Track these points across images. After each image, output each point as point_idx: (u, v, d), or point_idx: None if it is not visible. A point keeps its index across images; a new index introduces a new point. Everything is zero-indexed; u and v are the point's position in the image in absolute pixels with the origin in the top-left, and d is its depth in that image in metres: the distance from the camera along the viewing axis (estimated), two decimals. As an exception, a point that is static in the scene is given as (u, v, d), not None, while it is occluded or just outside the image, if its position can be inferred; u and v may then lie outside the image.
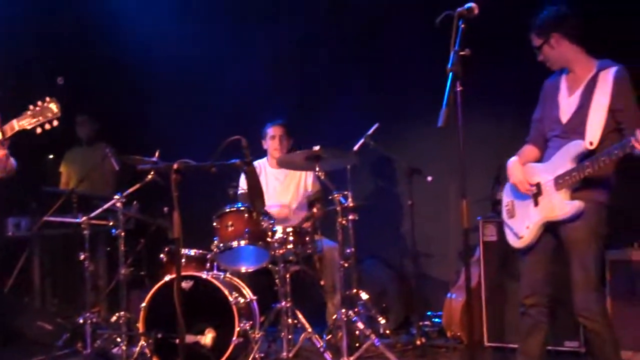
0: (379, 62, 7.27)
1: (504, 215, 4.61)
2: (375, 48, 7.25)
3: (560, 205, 4.20)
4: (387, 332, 6.13)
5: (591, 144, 4.09)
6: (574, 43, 4.30)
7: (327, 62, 7.50)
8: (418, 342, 5.98)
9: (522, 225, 4.42)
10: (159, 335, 5.25)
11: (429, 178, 6.16)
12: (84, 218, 5.78)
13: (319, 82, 7.56)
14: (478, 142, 6.14)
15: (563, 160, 4.21)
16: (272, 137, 6.59)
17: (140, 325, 5.41)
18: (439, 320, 6.52)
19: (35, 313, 6.67)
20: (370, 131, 6.14)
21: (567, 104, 4.33)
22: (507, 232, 4.57)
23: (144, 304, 5.41)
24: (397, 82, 7.14)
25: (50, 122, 4.52)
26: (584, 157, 4.11)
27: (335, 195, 5.59)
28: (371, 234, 6.74)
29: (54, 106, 4.51)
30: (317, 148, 5.52)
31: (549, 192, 4.27)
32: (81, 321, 5.84)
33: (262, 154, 6.71)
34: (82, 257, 5.80)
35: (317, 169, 5.63)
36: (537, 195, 4.33)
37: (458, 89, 3.59)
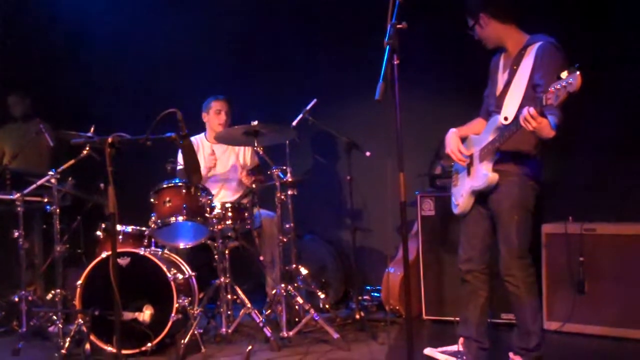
0: (316, 36, 7.25)
1: (452, 183, 4.75)
2: (312, 21, 7.21)
3: (479, 175, 4.36)
4: (327, 306, 6.17)
5: (506, 119, 4.18)
6: (502, 22, 4.37)
7: (264, 37, 7.43)
8: (357, 317, 6.02)
9: (459, 194, 4.60)
10: (96, 313, 5.18)
11: (368, 153, 6.17)
12: (18, 195, 5.66)
13: (256, 57, 7.50)
14: (418, 118, 6.21)
15: (486, 133, 4.36)
16: (218, 112, 6.52)
17: (76, 303, 5.34)
18: (378, 295, 6.59)
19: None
20: (309, 106, 6.12)
21: (501, 80, 4.45)
22: (452, 199, 4.71)
23: (80, 282, 5.34)
24: (334, 56, 7.12)
25: None
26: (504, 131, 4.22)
27: (274, 171, 5.58)
28: (310, 209, 6.76)
29: None
30: (255, 123, 5.49)
31: (475, 163, 4.42)
32: (16, 299, 5.74)
33: (199, 129, 6.64)
34: (16, 234, 5.68)
35: (256, 144, 5.61)
36: (470, 166, 4.49)
37: (395, 62, 3.58)
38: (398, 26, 3.63)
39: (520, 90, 4.21)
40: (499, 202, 4.34)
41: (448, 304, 5.89)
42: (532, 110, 3.80)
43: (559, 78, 3.62)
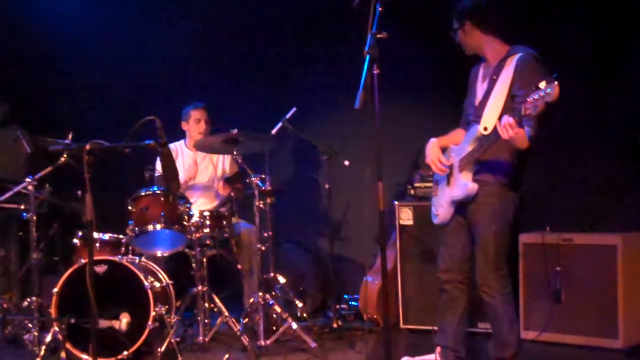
0: (296, 45, 7.24)
1: (432, 193, 4.77)
2: (292, 31, 7.21)
3: (458, 185, 4.37)
4: (304, 315, 6.16)
5: (485, 129, 4.19)
6: (485, 33, 4.40)
7: (243, 46, 7.41)
8: (335, 325, 6.04)
9: (439, 204, 4.61)
10: (72, 321, 5.14)
11: (346, 162, 6.19)
12: (-6, 201, 5.61)
13: (236, 65, 7.49)
14: (397, 127, 6.20)
15: (466, 143, 4.38)
16: (197, 121, 6.49)
17: (52, 311, 5.30)
18: (356, 304, 6.58)
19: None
20: (288, 115, 6.13)
21: (480, 90, 4.47)
22: (432, 209, 4.72)
23: (56, 289, 5.29)
24: (315, 65, 7.12)
25: None
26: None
27: (253, 179, 5.57)
28: (289, 218, 6.75)
29: None
30: (234, 131, 5.49)
31: (455, 173, 4.43)
32: (-9, 307, 5.70)
33: (178, 135, 6.62)
34: (-8, 241, 5.64)
35: (235, 152, 5.60)
36: (450, 176, 4.50)
37: (375, 72, 3.59)
38: (378, 36, 3.64)
39: (499, 100, 4.22)
40: (477, 213, 4.35)
41: (426, 313, 5.89)
42: (510, 119, 3.84)
43: (537, 88, 3.65)
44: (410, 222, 6.01)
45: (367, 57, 3.61)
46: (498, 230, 4.31)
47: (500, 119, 4.01)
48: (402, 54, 6.12)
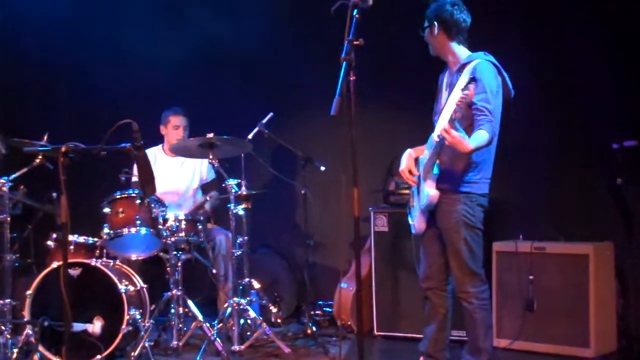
0: (274, 51, 7.23)
1: (410, 204, 4.80)
2: (270, 38, 7.20)
3: (423, 194, 4.41)
4: (279, 320, 6.17)
5: (439, 137, 4.22)
6: (448, 37, 4.46)
7: (223, 51, 7.39)
8: (309, 331, 6.03)
9: (414, 214, 4.64)
10: (45, 324, 5.12)
11: (322, 168, 6.21)
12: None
13: (214, 68, 7.46)
14: (372, 134, 6.25)
15: (428, 152, 4.47)
16: (176, 127, 6.48)
17: (25, 313, 5.27)
18: (330, 310, 6.59)
19: None
20: (265, 120, 6.14)
21: (443, 98, 4.55)
22: (409, 220, 4.76)
23: (29, 292, 5.27)
24: (291, 71, 7.12)
25: None
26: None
27: (229, 184, 5.58)
28: (264, 223, 6.76)
29: None
30: (210, 135, 5.49)
31: (421, 183, 4.48)
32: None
33: (156, 139, 6.61)
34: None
35: (211, 156, 5.60)
36: (418, 185, 4.55)
37: (351, 79, 3.61)
38: (355, 42, 3.67)
39: (452, 107, 4.26)
40: (444, 221, 4.41)
41: (400, 320, 5.92)
42: (446, 125, 3.97)
43: (462, 90, 3.83)
44: (386, 229, 6.03)
45: (344, 63, 3.63)
46: (466, 236, 4.35)
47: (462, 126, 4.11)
48: (380, 60, 6.13)
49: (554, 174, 6.06)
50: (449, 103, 4.33)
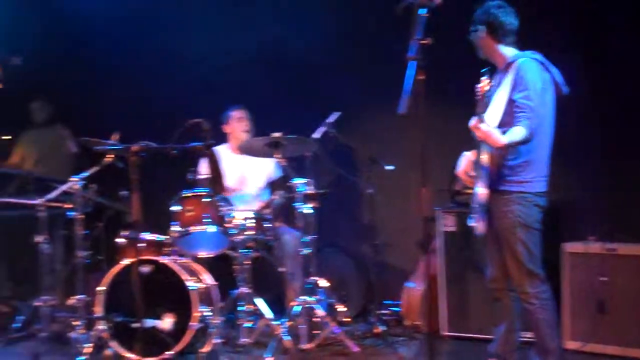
0: (340, 49, 7.23)
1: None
2: (338, 35, 7.20)
3: (475, 194, 4.37)
4: (346, 320, 6.14)
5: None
6: (494, 39, 4.46)
7: (288, 50, 7.41)
8: (376, 331, 6.01)
9: (475, 215, 4.54)
10: (117, 319, 5.21)
11: (391, 167, 6.18)
12: (41, 200, 5.68)
13: (280, 70, 7.48)
14: (440, 133, 6.18)
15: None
16: (240, 119, 6.55)
17: (97, 309, 5.37)
18: (397, 309, 6.56)
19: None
20: (331, 119, 6.14)
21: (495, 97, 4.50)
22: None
23: (102, 288, 5.36)
24: (360, 70, 7.11)
25: None
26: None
27: (295, 183, 5.59)
28: (331, 222, 6.75)
29: None
30: (277, 134, 5.51)
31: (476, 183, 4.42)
32: (38, 304, 5.77)
33: (219, 141, 6.65)
34: (38, 239, 5.71)
35: (277, 155, 5.62)
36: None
37: (420, 78, 3.60)
38: (422, 42, 3.65)
39: (499, 107, 4.26)
40: (498, 221, 4.40)
41: (469, 320, 5.87)
42: (474, 120, 4.03)
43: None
44: (454, 229, 5.98)
45: (412, 62, 3.62)
46: (524, 237, 4.32)
47: (499, 125, 4.14)
48: (447, 60, 6.08)
49: (629, 172, 5.92)
50: (496, 102, 4.31)
